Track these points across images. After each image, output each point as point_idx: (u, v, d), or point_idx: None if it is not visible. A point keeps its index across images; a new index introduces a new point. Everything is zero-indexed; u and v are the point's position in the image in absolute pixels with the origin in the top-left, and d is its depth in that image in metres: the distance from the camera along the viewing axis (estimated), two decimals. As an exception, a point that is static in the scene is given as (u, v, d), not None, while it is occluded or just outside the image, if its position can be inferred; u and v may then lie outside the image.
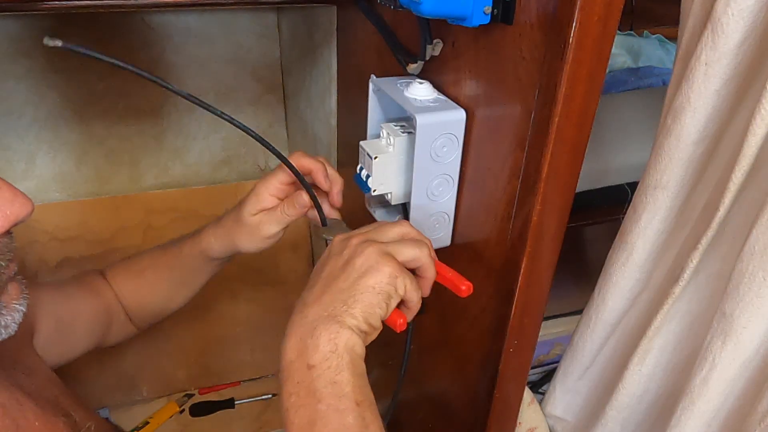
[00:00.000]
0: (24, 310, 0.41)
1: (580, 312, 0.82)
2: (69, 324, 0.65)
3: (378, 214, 0.62)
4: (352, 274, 0.42)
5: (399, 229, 0.46)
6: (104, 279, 0.71)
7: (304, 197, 0.56)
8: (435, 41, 0.51)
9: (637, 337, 0.50)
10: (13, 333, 0.40)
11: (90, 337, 0.68)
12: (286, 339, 0.41)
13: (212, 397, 1.06)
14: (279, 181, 0.59)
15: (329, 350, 0.39)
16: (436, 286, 0.62)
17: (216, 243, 0.65)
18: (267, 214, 0.60)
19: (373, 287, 0.41)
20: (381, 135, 0.55)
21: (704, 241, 0.40)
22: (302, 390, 0.38)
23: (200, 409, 1.03)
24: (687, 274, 0.43)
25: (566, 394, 0.61)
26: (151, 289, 0.72)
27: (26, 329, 0.61)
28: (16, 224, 0.39)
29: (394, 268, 0.42)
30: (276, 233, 0.61)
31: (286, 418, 0.39)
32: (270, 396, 1.07)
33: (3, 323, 0.39)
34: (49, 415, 0.49)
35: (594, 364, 0.56)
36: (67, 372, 0.95)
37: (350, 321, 0.40)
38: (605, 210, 0.80)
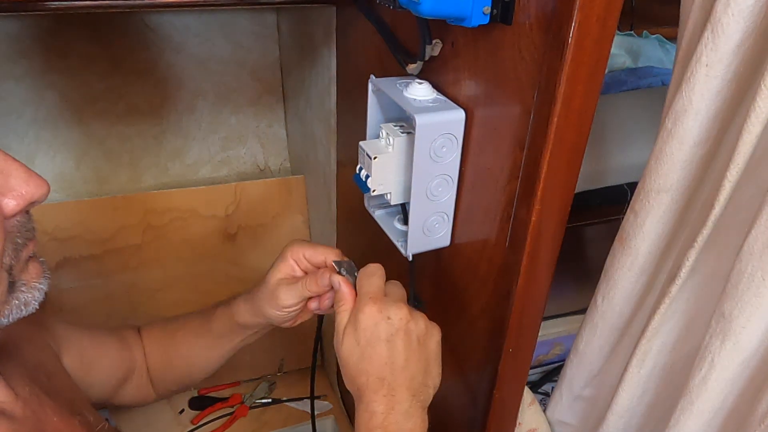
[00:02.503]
0: (45, 289, 0.42)
1: (579, 312, 0.82)
2: (89, 363, 0.64)
3: (377, 214, 0.62)
4: (424, 351, 0.50)
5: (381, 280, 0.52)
6: (137, 334, 0.71)
7: (326, 278, 0.55)
8: (434, 41, 0.51)
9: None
10: (33, 311, 0.41)
11: (104, 385, 0.67)
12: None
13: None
14: (304, 254, 0.59)
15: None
16: (436, 286, 0.62)
17: (244, 308, 0.64)
18: (287, 284, 0.59)
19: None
20: (380, 135, 0.55)
21: (700, 240, 0.40)
22: None
23: (200, 403, 1.04)
24: (684, 273, 0.43)
25: (574, 401, 0.61)
26: (177, 352, 0.71)
27: (54, 345, 0.61)
28: (32, 204, 0.39)
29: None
30: (293, 305, 0.59)
31: None
32: (270, 400, 1.07)
33: (23, 300, 0.41)
34: (67, 414, 0.51)
35: (601, 371, 0.56)
36: (66, 372, 0.96)
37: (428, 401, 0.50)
38: (605, 210, 0.80)
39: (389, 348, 0.47)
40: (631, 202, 0.46)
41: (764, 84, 0.33)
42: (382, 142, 0.55)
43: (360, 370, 0.48)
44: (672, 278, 0.44)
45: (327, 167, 0.88)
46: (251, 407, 1.05)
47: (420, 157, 0.49)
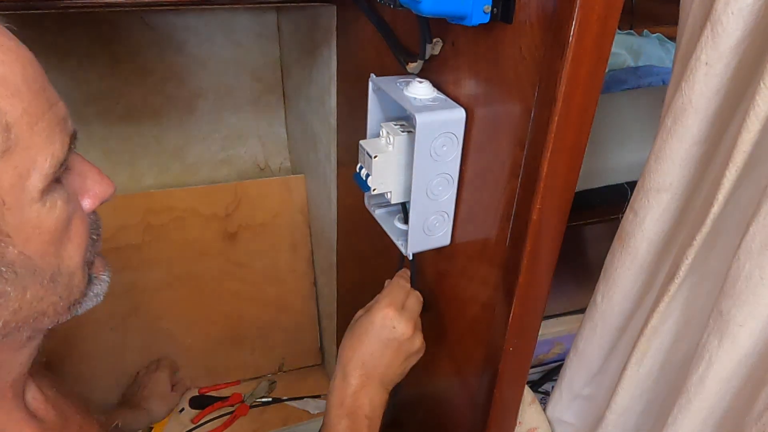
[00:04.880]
0: (108, 281, 0.46)
1: (579, 311, 0.82)
2: None
3: (377, 213, 0.62)
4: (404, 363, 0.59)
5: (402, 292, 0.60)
6: None
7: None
8: (435, 40, 0.51)
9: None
10: (101, 301, 0.45)
11: None
12: (349, 387, 0.57)
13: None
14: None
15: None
16: (437, 285, 0.62)
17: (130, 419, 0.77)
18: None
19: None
20: (381, 134, 0.55)
21: (699, 238, 0.40)
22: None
23: (200, 402, 1.04)
24: (682, 272, 0.43)
25: (574, 400, 0.61)
26: None
27: None
28: (102, 203, 0.43)
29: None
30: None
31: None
32: (270, 399, 1.07)
33: (95, 292, 0.44)
34: (86, 413, 0.54)
35: (601, 370, 0.56)
36: (68, 372, 0.96)
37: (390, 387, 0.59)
38: (605, 209, 0.80)
39: (381, 348, 0.57)
40: (631, 201, 0.46)
41: (764, 82, 0.33)
42: (383, 141, 0.55)
43: (353, 345, 0.57)
44: (671, 277, 0.44)
45: (327, 166, 0.88)
46: (251, 406, 1.05)
47: (420, 156, 0.49)
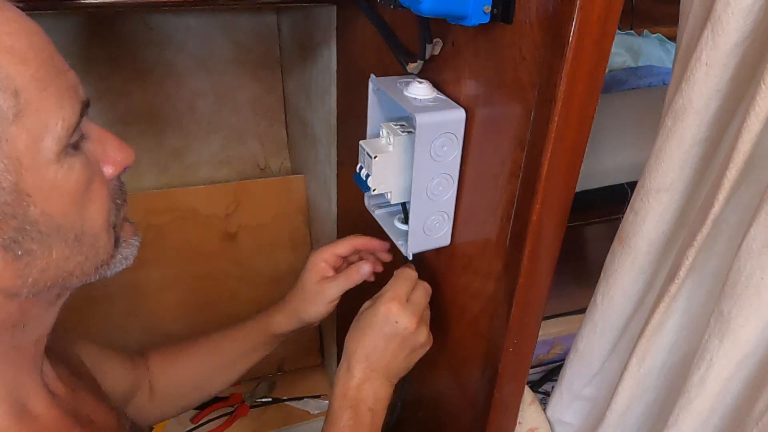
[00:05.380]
0: (137, 245, 0.48)
1: (579, 312, 0.82)
2: (99, 367, 0.65)
3: (377, 213, 0.62)
4: (410, 357, 0.59)
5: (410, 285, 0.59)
6: (143, 357, 0.73)
7: (365, 268, 0.66)
8: (435, 40, 0.51)
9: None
10: (129, 265, 0.48)
11: (113, 395, 0.68)
12: (354, 380, 0.57)
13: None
14: (333, 253, 0.67)
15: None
16: (437, 286, 0.62)
17: (281, 317, 0.71)
18: (328, 281, 0.67)
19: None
20: (381, 134, 0.55)
21: (699, 238, 0.40)
22: (362, 424, 0.56)
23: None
24: (683, 272, 0.42)
25: (574, 400, 0.60)
26: (188, 373, 0.74)
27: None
28: (125, 170, 0.45)
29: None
30: (337, 297, 0.67)
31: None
32: (270, 399, 1.07)
33: (124, 255, 0.47)
34: (107, 408, 0.56)
35: (602, 370, 0.56)
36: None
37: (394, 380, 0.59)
38: (605, 210, 0.80)
39: (384, 343, 0.57)
40: (631, 202, 0.46)
41: (764, 83, 0.33)
42: (383, 141, 0.55)
43: (357, 338, 0.58)
44: (672, 277, 0.44)
45: (327, 167, 0.88)
46: (251, 406, 1.05)
47: (420, 157, 0.49)
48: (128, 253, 0.47)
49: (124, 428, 0.58)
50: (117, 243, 0.46)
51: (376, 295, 0.60)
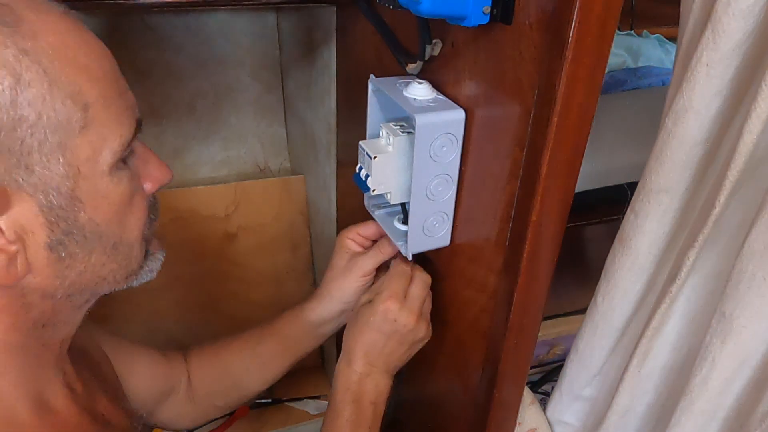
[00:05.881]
0: (162, 260, 0.51)
1: (579, 312, 0.81)
2: (129, 367, 0.65)
3: (377, 213, 0.62)
4: (409, 350, 0.60)
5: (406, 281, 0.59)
6: (182, 356, 0.74)
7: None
8: (434, 41, 0.51)
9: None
10: (154, 277, 0.50)
11: (143, 396, 0.67)
12: (355, 373, 0.58)
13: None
14: (358, 232, 0.65)
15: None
16: (436, 286, 0.62)
17: (318, 304, 0.69)
18: (359, 255, 0.65)
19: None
20: (380, 135, 0.55)
21: (700, 240, 0.40)
22: (364, 418, 0.58)
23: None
24: (684, 273, 0.42)
25: (574, 401, 0.60)
26: (230, 371, 0.74)
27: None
28: (161, 187, 0.48)
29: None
30: (371, 270, 0.65)
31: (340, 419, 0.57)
32: (270, 400, 1.07)
33: (150, 267, 0.50)
34: (119, 408, 0.57)
35: (602, 371, 0.56)
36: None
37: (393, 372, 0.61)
38: (605, 210, 0.80)
39: (383, 340, 0.57)
40: (631, 202, 0.46)
41: (765, 83, 0.33)
42: (383, 141, 0.55)
43: (355, 334, 0.58)
44: (672, 278, 0.44)
45: (327, 167, 0.88)
46: (251, 407, 1.05)
47: (420, 157, 0.49)
48: (154, 266, 0.50)
49: (136, 430, 0.58)
50: (146, 255, 0.48)
51: (372, 288, 0.60)
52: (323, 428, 0.59)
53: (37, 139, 0.36)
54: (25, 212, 0.38)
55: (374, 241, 0.66)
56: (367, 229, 0.65)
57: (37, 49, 0.36)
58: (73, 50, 0.38)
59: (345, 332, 0.60)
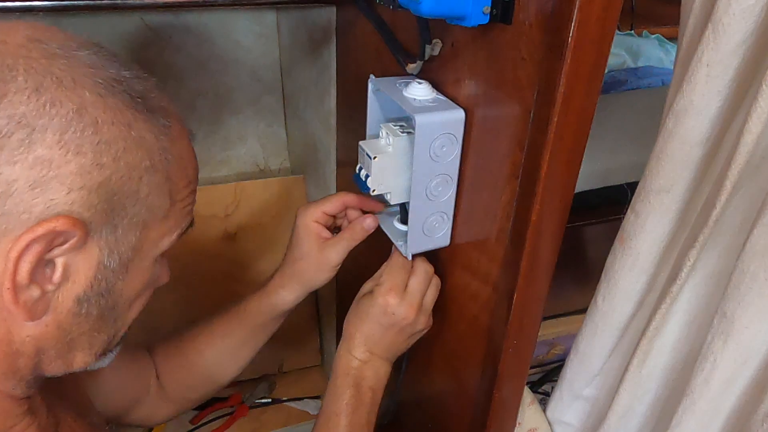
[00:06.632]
0: (109, 361, 0.50)
1: (579, 312, 0.81)
2: (95, 374, 0.63)
3: (377, 213, 0.62)
4: (409, 340, 0.61)
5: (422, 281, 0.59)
6: (148, 354, 0.72)
7: (369, 221, 0.61)
8: (434, 41, 0.51)
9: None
10: (95, 369, 0.49)
11: (113, 401, 0.67)
12: (354, 361, 0.59)
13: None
14: (321, 211, 0.62)
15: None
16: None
17: (288, 294, 0.67)
18: (331, 245, 0.62)
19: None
20: (380, 135, 0.55)
21: (701, 240, 0.40)
22: (362, 402, 0.59)
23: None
24: (685, 273, 0.42)
25: (574, 401, 0.60)
26: (198, 361, 0.72)
27: None
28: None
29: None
30: (341, 260, 0.63)
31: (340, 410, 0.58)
32: (270, 400, 1.07)
33: (113, 353, 0.50)
34: (82, 419, 0.55)
35: (602, 371, 0.56)
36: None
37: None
38: (605, 210, 0.80)
39: (382, 331, 0.58)
40: (632, 202, 0.46)
41: (765, 83, 0.33)
42: (382, 141, 0.55)
43: (356, 323, 0.59)
44: (673, 278, 0.44)
45: (327, 167, 0.88)
46: (251, 407, 1.05)
47: (420, 157, 0.49)
48: (108, 359, 0.49)
49: None
50: (118, 344, 0.49)
51: (374, 277, 0.60)
52: (321, 410, 0.60)
53: (135, 211, 0.41)
54: (87, 259, 0.40)
55: (334, 217, 0.64)
56: (329, 206, 0.62)
57: (172, 150, 0.43)
58: (186, 158, 0.46)
59: (346, 318, 0.61)
